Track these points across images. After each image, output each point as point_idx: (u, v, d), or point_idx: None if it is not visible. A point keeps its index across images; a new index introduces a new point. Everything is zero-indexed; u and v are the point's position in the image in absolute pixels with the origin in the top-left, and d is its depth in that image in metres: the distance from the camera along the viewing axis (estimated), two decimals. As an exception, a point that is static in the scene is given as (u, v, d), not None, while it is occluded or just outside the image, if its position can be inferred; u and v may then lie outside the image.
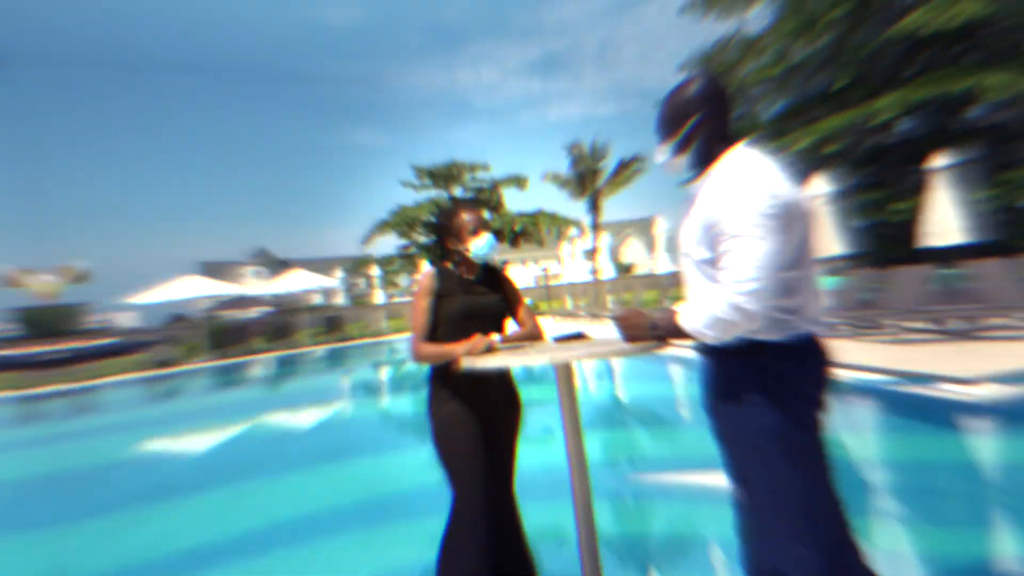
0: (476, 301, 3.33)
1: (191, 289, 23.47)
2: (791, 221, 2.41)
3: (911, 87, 16.80)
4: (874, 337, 10.65)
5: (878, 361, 8.31)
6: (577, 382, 3.13)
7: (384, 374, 15.89)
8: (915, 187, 16.84)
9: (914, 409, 6.93)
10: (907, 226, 16.88)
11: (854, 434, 6.61)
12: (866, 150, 19.60)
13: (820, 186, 12.67)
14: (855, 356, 8.86)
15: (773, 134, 20.12)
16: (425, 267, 31.32)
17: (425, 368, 3.42)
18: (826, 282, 12.07)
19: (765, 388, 2.43)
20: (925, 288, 10.40)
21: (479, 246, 3.35)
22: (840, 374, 6.05)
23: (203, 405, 13.36)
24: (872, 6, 18.09)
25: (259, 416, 10.41)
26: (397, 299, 35.81)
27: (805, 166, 18.61)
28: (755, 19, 22.69)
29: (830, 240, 12.48)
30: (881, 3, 18.01)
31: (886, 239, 20.03)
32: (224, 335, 22.66)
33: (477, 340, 3.07)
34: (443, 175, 37.27)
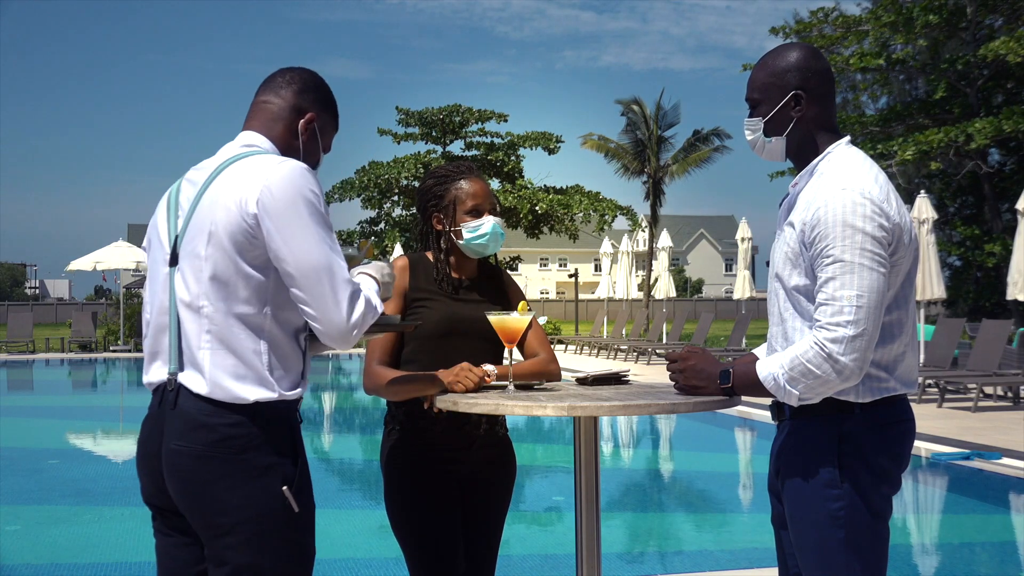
0: (465, 313, 3.04)
1: (117, 258, 25.67)
2: (899, 250, 2.40)
3: (1003, 115, 21.29)
4: (956, 402, 12.41)
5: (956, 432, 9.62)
6: (602, 444, 2.85)
7: (325, 402, 16.31)
8: (1008, 228, 22.06)
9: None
10: (998, 271, 22.18)
11: (923, 517, 7.35)
12: (966, 175, 24.60)
13: (922, 210, 14.28)
14: (937, 426, 10.13)
15: (878, 135, 25.06)
16: (397, 252, 27.01)
17: (381, 403, 3.13)
18: (922, 330, 13.12)
19: (840, 463, 2.41)
20: (1007, 348, 12.67)
21: (475, 234, 3.03)
22: (920, 447, 7.93)
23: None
24: (962, 19, 23.62)
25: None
26: None
27: (908, 183, 23.26)
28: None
29: (928, 278, 14.05)
30: (969, 20, 23.00)
31: (980, 284, 25.82)
32: (143, 320, 25.31)
33: (461, 370, 2.78)
34: (438, 123, 33.36)
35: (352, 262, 2.59)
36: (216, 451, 2.22)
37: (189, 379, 2.26)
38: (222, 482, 2.22)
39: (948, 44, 25.22)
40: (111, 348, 26.47)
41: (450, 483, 3.04)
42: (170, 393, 2.28)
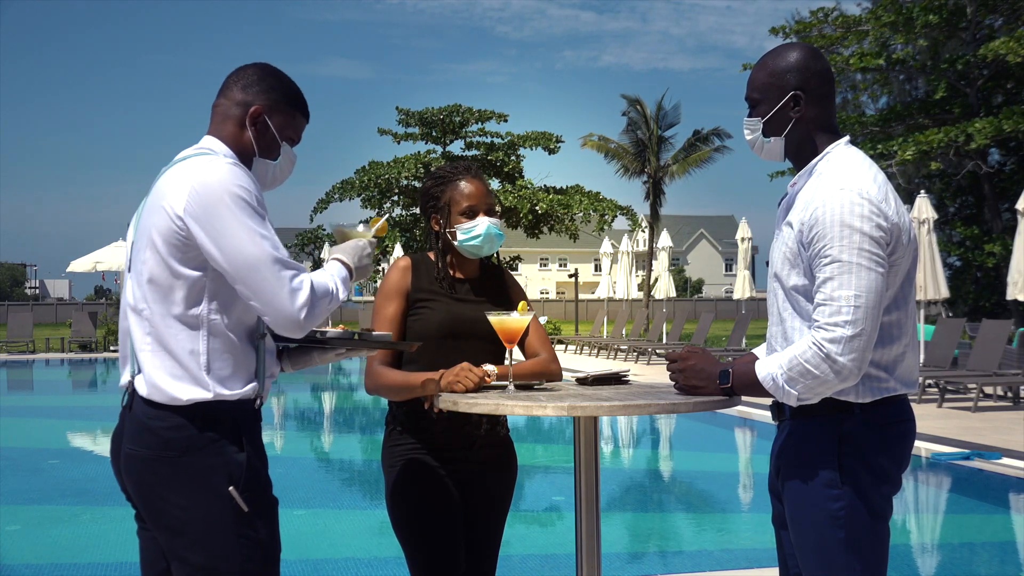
0: (466, 313, 3.03)
1: (117, 258, 25.68)
2: (898, 250, 2.39)
3: (1003, 115, 21.28)
4: (956, 402, 12.46)
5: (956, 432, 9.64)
6: (602, 444, 2.85)
7: (325, 402, 16.28)
8: (1008, 228, 22.32)
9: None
10: (998, 271, 22.53)
11: (923, 517, 7.36)
12: (966, 175, 24.68)
13: (922, 210, 14.27)
14: (937, 426, 10.18)
15: (879, 135, 25.06)
16: (397, 252, 26.84)
17: (382, 402, 3.16)
18: (921, 330, 13.12)
19: (840, 463, 2.40)
20: (1007, 348, 12.81)
21: (469, 236, 3.02)
22: (920, 447, 7.80)
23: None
24: (962, 19, 23.57)
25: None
26: (353, 297, 34.51)
27: (908, 183, 23.19)
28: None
29: (930, 278, 14.07)
30: (969, 20, 23.46)
31: (980, 284, 25.97)
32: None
33: (462, 370, 2.76)
34: (438, 123, 33.45)
35: (359, 239, 2.58)
36: (160, 454, 2.26)
37: (139, 382, 2.31)
38: (167, 484, 2.26)
39: (948, 44, 25.14)
40: (111, 348, 26.44)
41: (451, 483, 3.03)
42: (128, 396, 2.36)
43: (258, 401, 2.39)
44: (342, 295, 2.38)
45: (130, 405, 2.34)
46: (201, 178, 2.25)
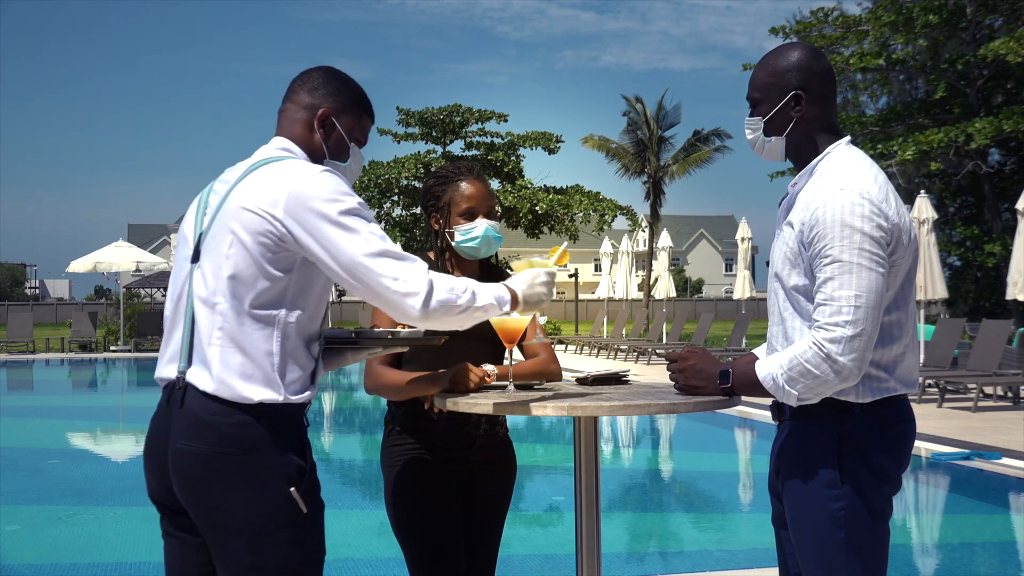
0: (465, 312, 3.06)
1: (117, 258, 25.69)
2: (898, 250, 2.39)
3: (1003, 115, 21.39)
4: (955, 402, 12.50)
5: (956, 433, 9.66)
6: (602, 444, 2.85)
7: (325, 402, 16.30)
8: (1008, 228, 22.62)
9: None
10: (998, 271, 22.82)
11: (923, 517, 7.38)
12: (966, 175, 24.75)
13: (922, 210, 14.32)
14: (937, 426, 10.19)
15: (878, 135, 25.17)
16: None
17: (381, 402, 3.12)
18: (922, 330, 13.14)
19: (840, 463, 2.40)
20: (1007, 348, 12.92)
21: (467, 237, 3.02)
22: (920, 447, 7.93)
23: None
24: (962, 19, 23.63)
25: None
26: (352, 297, 34.43)
27: (908, 183, 23.40)
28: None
29: (930, 278, 14.09)
30: (969, 20, 23.55)
31: (980, 284, 26.08)
32: (143, 321, 25.43)
33: (461, 370, 2.75)
34: (438, 122, 33.26)
35: (535, 268, 2.58)
36: (221, 451, 2.21)
37: (196, 376, 2.25)
38: (227, 482, 2.22)
39: (948, 44, 25.11)
40: (111, 348, 26.45)
41: (450, 483, 3.03)
42: (178, 392, 2.28)
43: (307, 406, 2.39)
44: (479, 303, 2.34)
45: (181, 400, 2.27)
46: (300, 185, 2.24)
